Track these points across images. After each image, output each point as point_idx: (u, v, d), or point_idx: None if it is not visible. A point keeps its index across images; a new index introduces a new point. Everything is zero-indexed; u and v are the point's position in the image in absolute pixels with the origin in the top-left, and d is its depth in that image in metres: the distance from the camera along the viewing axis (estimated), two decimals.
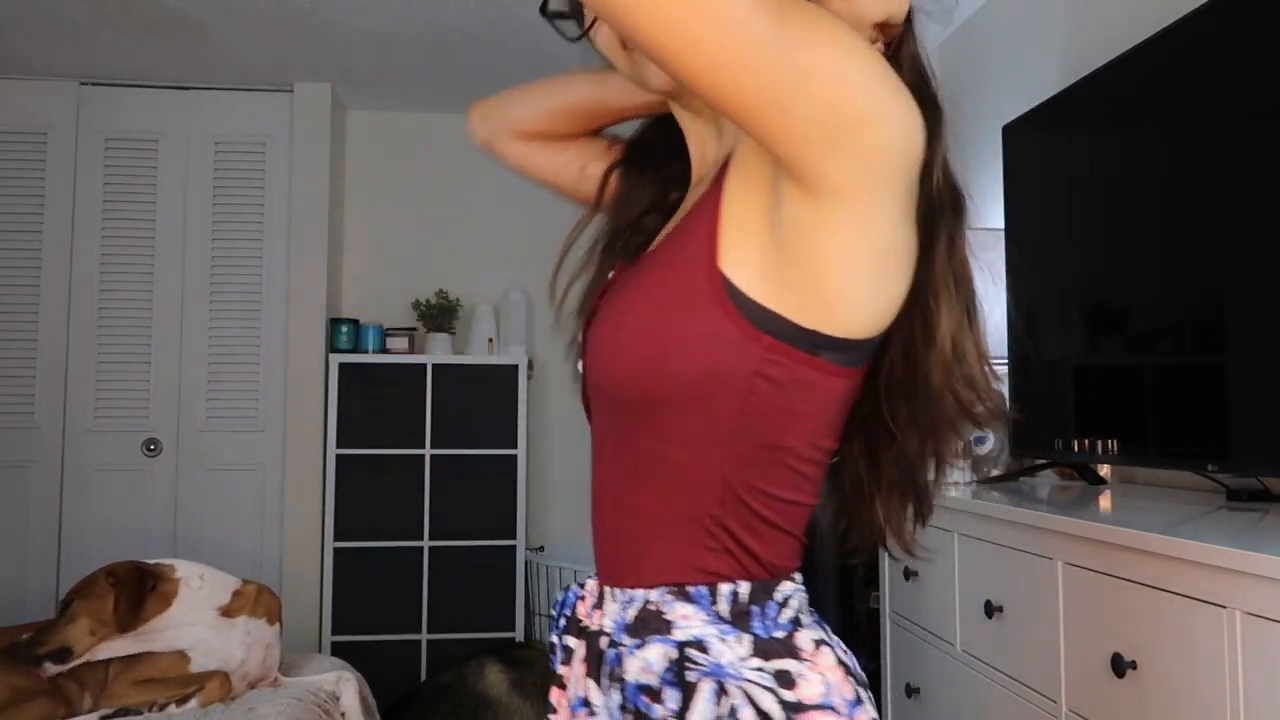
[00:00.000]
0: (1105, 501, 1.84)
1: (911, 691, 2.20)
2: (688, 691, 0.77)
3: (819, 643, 0.80)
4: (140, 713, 2.33)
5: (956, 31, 3.27)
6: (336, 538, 3.67)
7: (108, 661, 2.38)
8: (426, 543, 3.71)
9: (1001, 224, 2.39)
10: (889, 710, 2.38)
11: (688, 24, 0.64)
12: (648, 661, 0.79)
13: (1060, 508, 1.68)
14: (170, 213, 3.83)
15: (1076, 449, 2.03)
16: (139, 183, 3.83)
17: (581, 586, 0.92)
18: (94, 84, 3.81)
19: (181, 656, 2.41)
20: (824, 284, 0.73)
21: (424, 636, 3.68)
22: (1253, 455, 1.56)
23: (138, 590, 2.36)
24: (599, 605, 0.87)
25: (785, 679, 0.76)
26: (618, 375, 0.82)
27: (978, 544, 1.86)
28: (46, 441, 3.70)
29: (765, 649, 0.78)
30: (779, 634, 0.79)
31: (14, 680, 2.27)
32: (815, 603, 0.86)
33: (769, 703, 0.75)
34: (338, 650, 3.55)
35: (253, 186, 3.88)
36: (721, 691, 0.76)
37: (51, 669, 2.28)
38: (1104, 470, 2.22)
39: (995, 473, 2.34)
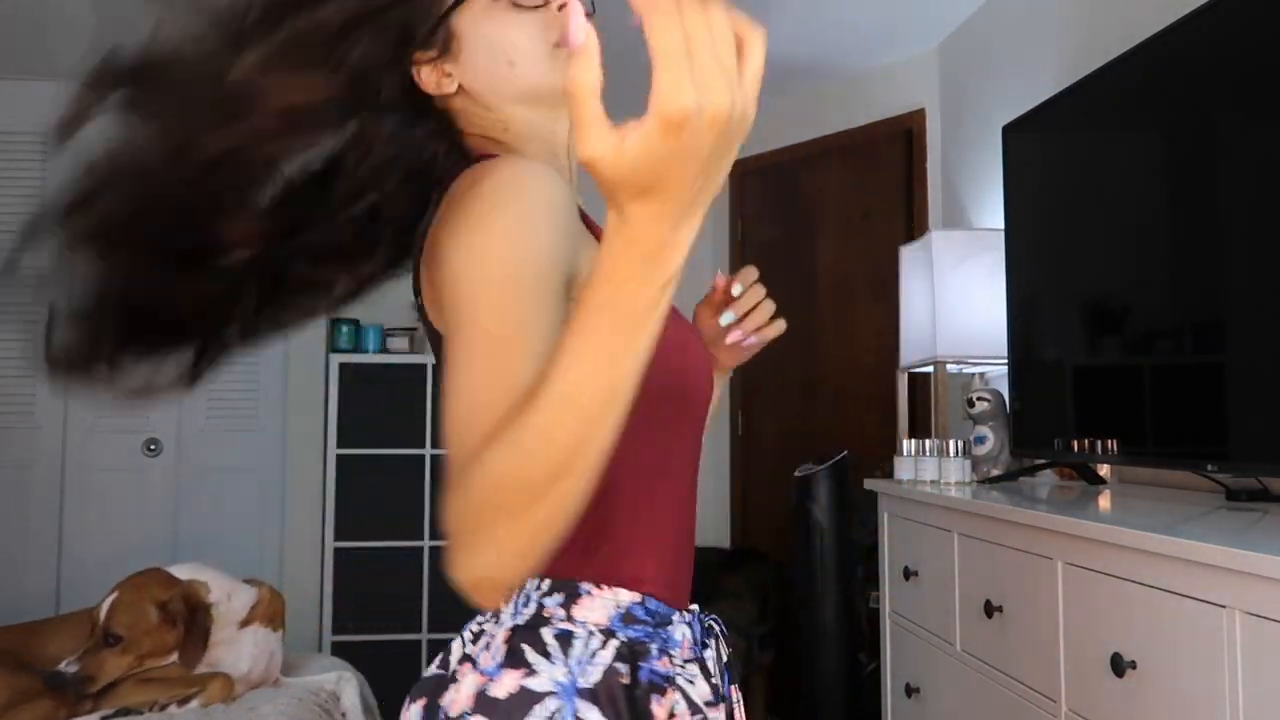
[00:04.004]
0: (1105, 501, 1.84)
1: (911, 691, 2.20)
2: None
3: None
4: (141, 713, 2.32)
5: (956, 32, 3.27)
6: (336, 538, 3.68)
7: None
8: (426, 543, 3.71)
9: (1001, 224, 2.39)
10: (889, 710, 2.38)
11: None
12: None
13: (1060, 508, 1.68)
14: None
15: (1076, 449, 2.03)
16: None
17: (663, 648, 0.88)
18: None
19: None
20: None
21: (424, 636, 3.68)
22: (1252, 455, 1.57)
23: (200, 630, 2.34)
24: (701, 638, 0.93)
25: None
26: (710, 391, 0.94)
27: (978, 544, 1.86)
28: (46, 441, 3.70)
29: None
30: None
31: (15, 681, 2.27)
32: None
33: None
34: (338, 650, 3.55)
35: None
36: None
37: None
38: (1104, 470, 2.22)
39: (995, 473, 2.34)
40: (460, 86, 0.91)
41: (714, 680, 0.91)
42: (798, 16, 3.20)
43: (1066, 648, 1.52)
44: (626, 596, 0.85)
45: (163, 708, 2.33)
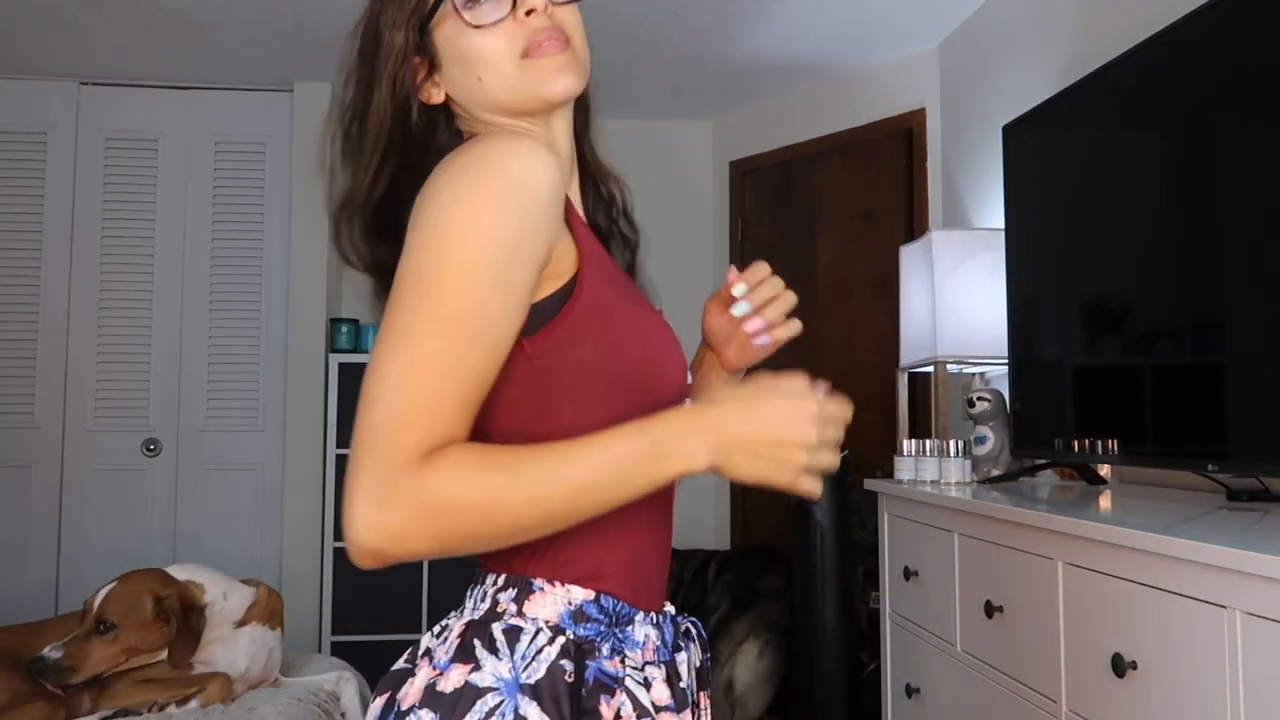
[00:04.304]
0: (1105, 501, 1.84)
1: (911, 691, 2.20)
2: None
3: None
4: (140, 713, 2.32)
5: (956, 32, 3.27)
6: (336, 538, 3.67)
7: None
8: None
9: (1001, 224, 2.39)
10: (889, 710, 2.38)
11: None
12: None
13: (1060, 508, 1.68)
14: (170, 213, 3.83)
15: (1076, 449, 2.03)
16: (139, 183, 3.83)
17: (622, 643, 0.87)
18: (94, 84, 3.81)
19: None
20: None
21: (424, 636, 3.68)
22: (1252, 455, 1.56)
23: (193, 630, 2.33)
24: (673, 639, 0.93)
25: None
26: (682, 386, 0.93)
27: (978, 544, 1.86)
28: (46, 441, 3.70)
29: None
30: None
31: (13, 683, 2.26)
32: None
33: None
34: (338, 650, 3.54)
35: (253, 186, 3.88)
36: None
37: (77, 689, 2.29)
38: (1104, 470, 2.22)
39: (995, 473, 2.34)
40: (447, 95, 0.93)
41: (683, 684, 0.89)
42: (798, 16, 3.20)
43: (1067, 648, 1.52)
44: (579, 594, 0.84)
45: (162, 708, 2.33)
